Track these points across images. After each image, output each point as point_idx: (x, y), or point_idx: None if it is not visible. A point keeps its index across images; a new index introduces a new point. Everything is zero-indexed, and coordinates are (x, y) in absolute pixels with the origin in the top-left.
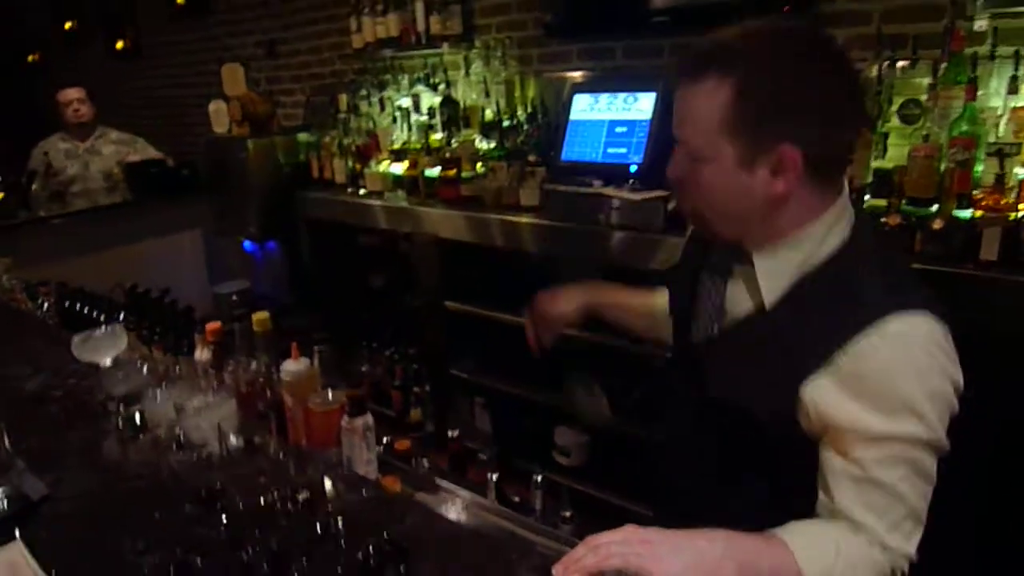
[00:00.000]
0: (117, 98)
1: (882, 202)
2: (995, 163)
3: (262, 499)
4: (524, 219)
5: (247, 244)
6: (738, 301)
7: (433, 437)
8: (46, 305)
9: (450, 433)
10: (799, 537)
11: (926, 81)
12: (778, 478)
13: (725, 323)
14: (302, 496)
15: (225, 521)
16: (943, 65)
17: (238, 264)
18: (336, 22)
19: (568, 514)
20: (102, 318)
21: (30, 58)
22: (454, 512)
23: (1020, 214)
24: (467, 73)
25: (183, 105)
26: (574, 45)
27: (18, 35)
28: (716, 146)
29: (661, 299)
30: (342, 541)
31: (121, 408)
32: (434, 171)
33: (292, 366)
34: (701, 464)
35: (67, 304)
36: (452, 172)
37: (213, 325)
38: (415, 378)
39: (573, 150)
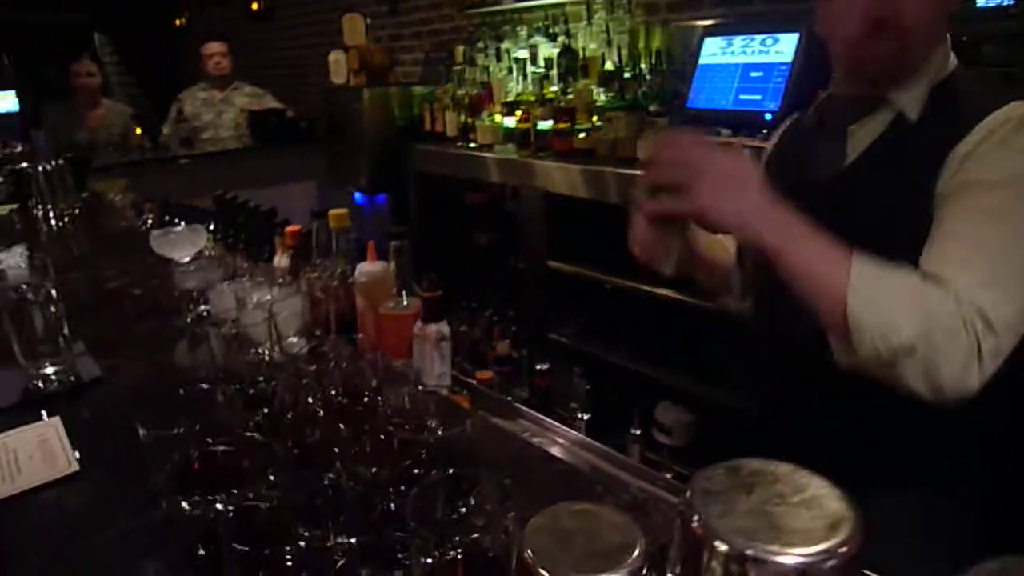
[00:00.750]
0: (251, 56)
1: None
2: None
3: (309, 398)
4: (639, 172)
5: (357, 196)
6: (862, 141)
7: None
8: (149, 220)
9: (538, 366)
10: (870, 262)
11: None
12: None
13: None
14: (345, 399)
15: (260, 418)
16: None
17: (327, 242)
18: None
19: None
20: (197, 224)
21: (177, 21)
22: (530, 435)
23: None
24: (589, 22)
25: (309, 63)
26: None
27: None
28: None
29: None
30: (391, 443)
31: (190, 303)
32: (547, 123)
33: (367, 267)
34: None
35: (167, 217)
36: (566, 124)
37: (292, 228)
38: (513, 342)
39: (700, 97)
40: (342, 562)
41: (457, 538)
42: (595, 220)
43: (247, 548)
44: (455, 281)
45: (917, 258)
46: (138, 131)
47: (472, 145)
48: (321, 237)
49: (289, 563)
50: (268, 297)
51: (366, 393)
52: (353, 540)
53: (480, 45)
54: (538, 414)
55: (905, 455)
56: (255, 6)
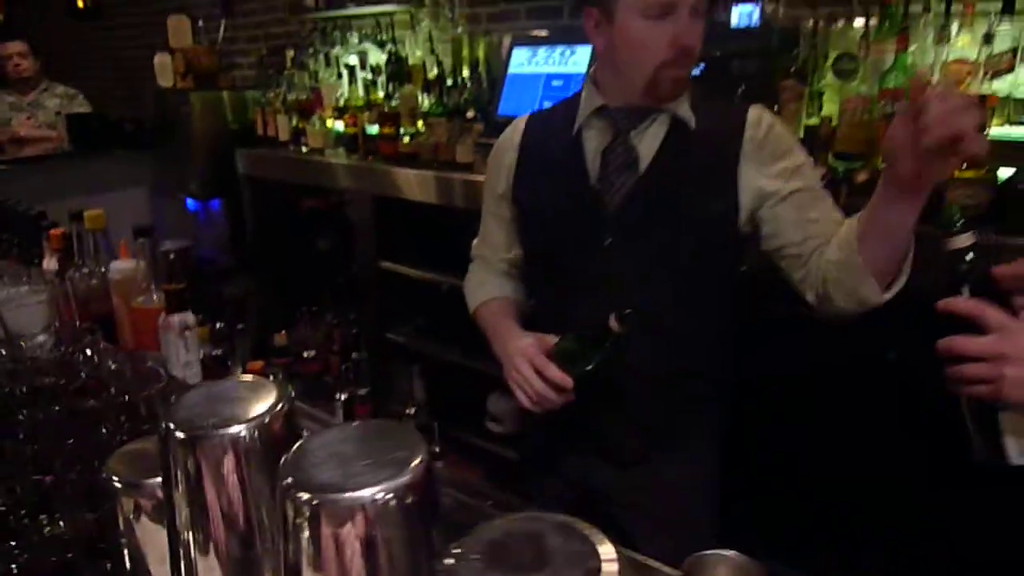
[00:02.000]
0: (77, 56)
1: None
2: None
3: (34, 386)
4: (457, 175)
5: (191, 203)
6: (647, 150)
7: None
8: None
9: (305, 354)
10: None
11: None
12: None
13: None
14: (72, 385)
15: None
16: (875, 18)
17: (181, 223)
18: None
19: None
20: None
21: None
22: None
23: None
24: (414, 30)
25: (140, 64)
26: (522, 4)
27: None
28: None
29: None
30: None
31: None
32: (374, 128)
33: (119, 265)
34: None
35: None
36: (391, 128)
37: (56, 231)
38: (354, 344)
39: (510, 104)
40: None
41: None
42: (423, 222)
43: None
44: (295, 286)
45: (725, 229)
46: None
47: (304, 149)
48: (81, 238)
49: None
50: (18, 294)
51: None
52: None
53: (311, 50)
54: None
55: (669, 429)
56: (80, 3)
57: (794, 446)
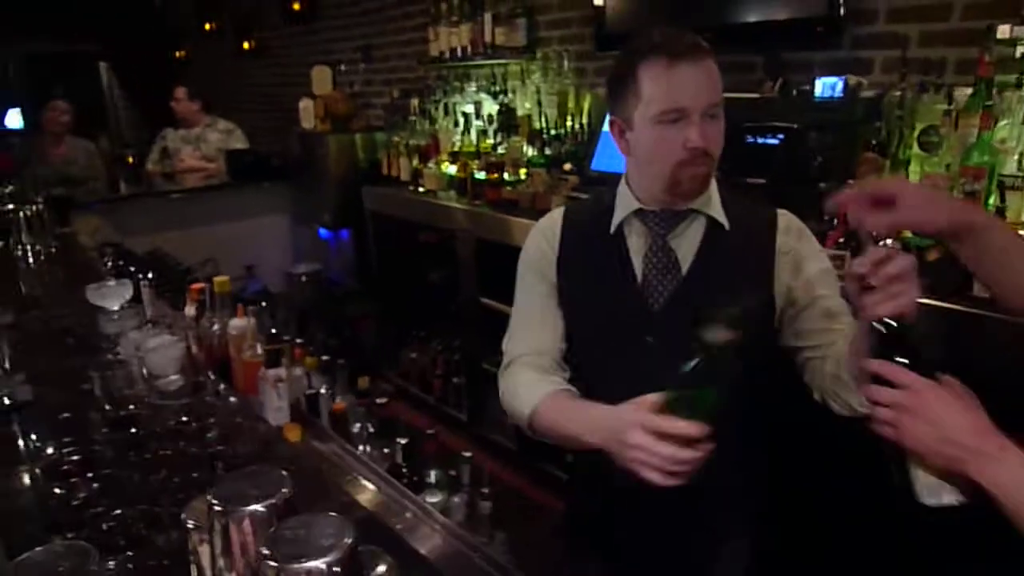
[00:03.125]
0: (244, 90)
1: None
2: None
3: (169, 422)
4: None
5: (323, 231)
6: (686, 252)
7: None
8: (109, 263)
9: (378, 400)
10: None
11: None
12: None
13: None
14: (195, 424)
15: (126, 436)
16: (963, 91)
17: (315, 249)
18: (420, 31)
19: (486, 491)
20: (139, 276)
21: (178, 54)
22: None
23: None
24: (523, 83)
25: (289, 101)
26: None
27: (169, 33)
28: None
29: None
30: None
31: (106, 345)
32: (482, 174)
33: (236, 322)
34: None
35: (120, 262)
36: (495, 176)
37: (196, 285)
38: (455, 370)
39: (603, 160)
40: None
41: None
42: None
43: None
44: (409, 312)
45: (763, 328)
46: (130, 159)
47: (421, 189)
48: (212, 296)
49: None
50: (152, 345)
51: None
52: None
53: (435, 97)
54: (344, 443)
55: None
56: (246, 45)
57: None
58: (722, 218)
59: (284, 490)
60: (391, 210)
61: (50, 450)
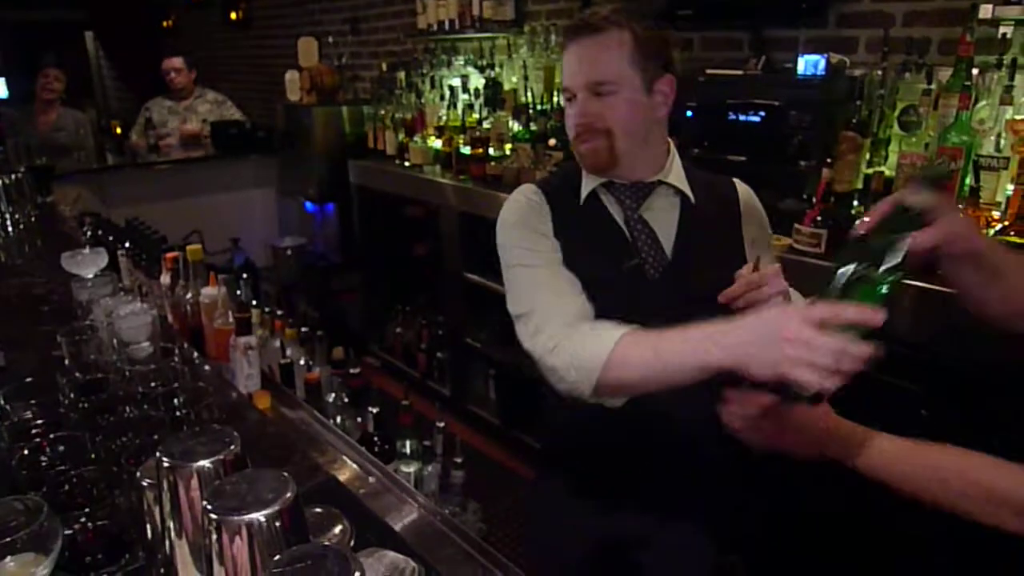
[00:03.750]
0: (230, 61)
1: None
2: (984, 177)
3: (136, 388)
4: None
5: (308, 205)
6: (665, 227)
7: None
8: (88, 232)
9: (352, 370)
10: None
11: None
12: None
13: (670, 246)
14: (162, 389)
15: (93, 400)
16: (945, 72)
17: (300, 222)
18: (408, 3)
19: (459, 460)
20: (118, 245)
21: (165, 23)
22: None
23: (993, 231)
24: (510, 57)
25: (277, 73)
26: None
27: (156, 2)
28: (626, 78)
29: None
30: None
31: (78, 311)
32: (467, 149)
33: (208, 291)
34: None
35: (99, 232)
36: (480, 150)
37: (170, 254)
38: (439, 344)
39: None
40: None
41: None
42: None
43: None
44: (394, 286)
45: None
46: (117, 130)
47: (407, 164)
48: (186, 265)
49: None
50: (123, 313)
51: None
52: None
53: (421, 71)
54: (314, 411)
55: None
56: (233, 15)
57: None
58: (686, 189)
59: (232, 447)
60: (376, 184)
61: (19, 414)
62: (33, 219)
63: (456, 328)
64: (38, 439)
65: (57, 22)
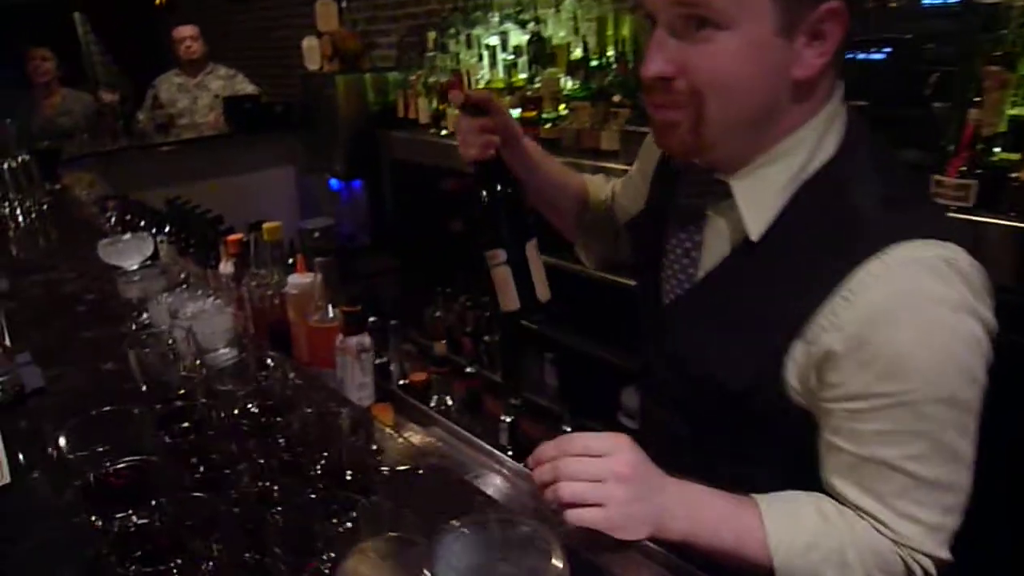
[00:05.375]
0: (232, 39)
1: (1015, 155)
2: None
3: (222, 413)
4: (601, 164)
5: (333, 182)
6: (716, 248)
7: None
8: (113, 218)
9: (468, 369)
10: (778, 506)
11: None
12: (757, 466)
13: (700, 276)
14: (260, 411)
15: (178, 433)
16: None
17: (325, 202)
18: None
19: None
20: (154, 229)
21: (157, 1)
22: (420, 439)
23: None
24: (557, 9)
25: (288, 47)
26: None
27: None
28: (751, 4)
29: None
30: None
31: (132, 312)
32: (515, 112)
33: (296, 279)
34: (676, 451)
35: (128, 217)
36: (533, 112)
37: (233, 237)
38: (487, 327)
39: None
40: None
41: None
42: None
43: (134, 564)
44: (431, 267)
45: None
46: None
47: (443, 132)
48: (258, 247)
49: None
50: (192, 310)
51: (271, 411)
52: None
53: (452, 31)
54: (454, 426)
55: None
56: None
57: None
58: (755, 219)
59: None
60: (410, 156)
61: (92, 466)
62: (45, 207)
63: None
64: (124, 505)
65: (42, 4)
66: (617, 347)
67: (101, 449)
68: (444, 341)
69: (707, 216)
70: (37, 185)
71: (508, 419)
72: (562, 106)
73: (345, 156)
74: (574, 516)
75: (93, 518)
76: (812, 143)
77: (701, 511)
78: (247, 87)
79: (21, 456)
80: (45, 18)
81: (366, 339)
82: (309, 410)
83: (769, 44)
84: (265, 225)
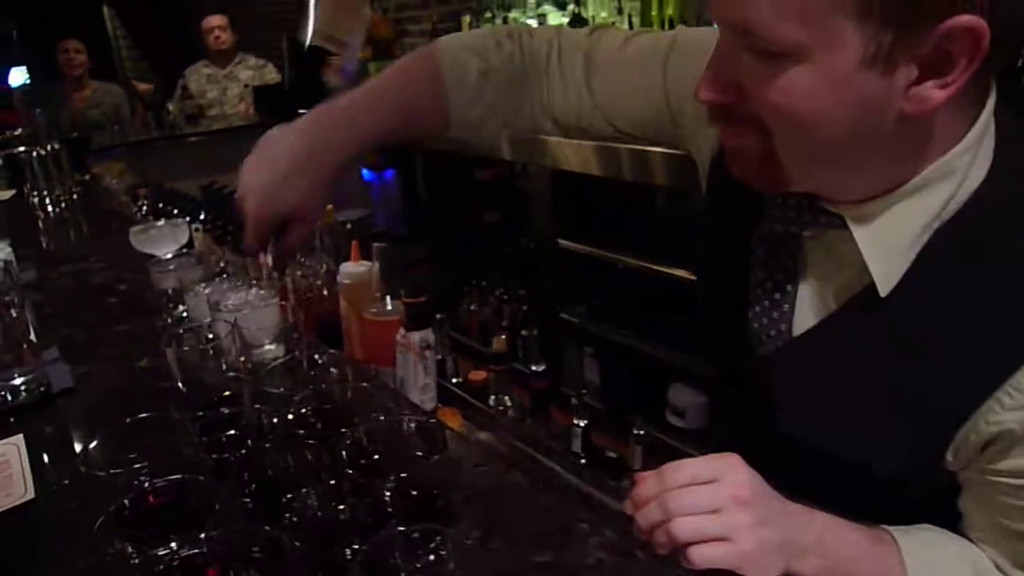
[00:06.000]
0: (262, 28)
1: None
2: None
3: (274, 419)
4: (648, 148)
5: (365, 172)
6: (822, 292)
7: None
8: (144, 207)
9: (533, 367)
10: (919, 545)
11: None
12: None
13: (799, 325)
14: (319, 418)
15: (225, 444)
16: None
17: (358, 193)
18: None
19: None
20: (187, 218)
21: None
22: (506, 455)
23: None
24: None
25: None
26: None
27: None
28: (826, 32)
29: None
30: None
31: (168, 304)
32: None
33: (350, 268)
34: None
35: (160, 205)
36: None
37: None
38: (523, 321)
39: None
40: None
41: None
42: (605, 197)
43: None
44: (465, 259)
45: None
46: (142, 110)
47: None
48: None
49: None
50: (234, 302)
51: (332, 419)
52: None
53: (487, 15)
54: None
55: None
56: None
57: None
58: (877, 272)
59: None
60: (445, 144)
61: (132, 482)
62: (75, 196)
63: (548, 302)
64: (166, 532)
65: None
66: (663, 342)
67: (137, 466)
68: (504, 336)
69: (805, 246)
70: (67, 175)
71: (581, 424)
72: None
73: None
74: (699, 556)
75: (129, 548)
76: (962, 171)
77: (835, 545)
78: (277, 77)
79: (47, 463)
80: (75, 10)
81: (430, 335)
82: (380, 418)
83: (853, 79)
84: None
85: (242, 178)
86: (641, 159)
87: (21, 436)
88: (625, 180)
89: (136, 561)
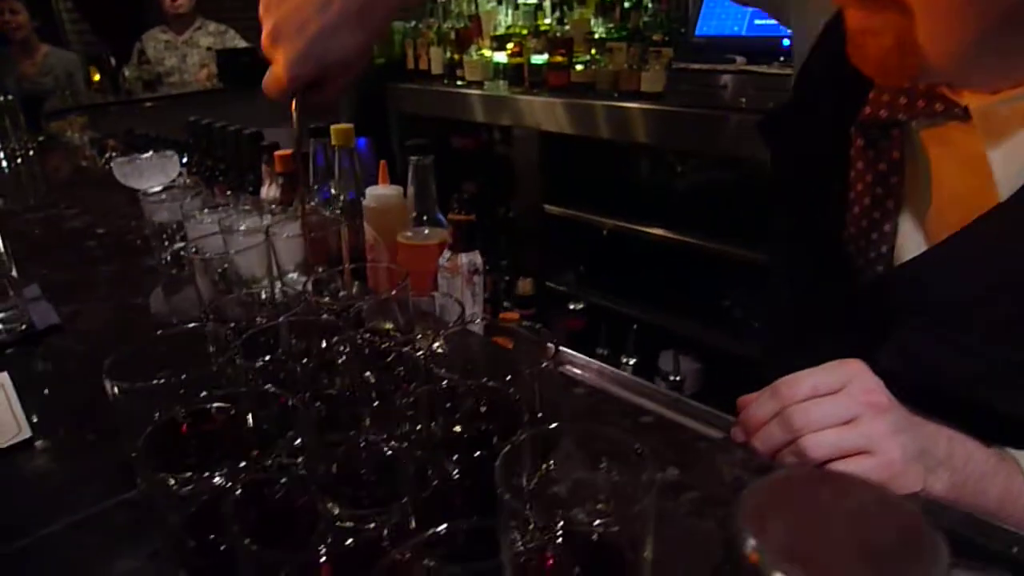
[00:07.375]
0: None
1: None
2: None
3: (325, 342)
4: (644, 106)
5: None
6: (936, 199)
7: None
8: (113, 155)
9: (572, 306)
10: None
11: None
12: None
13: (903, 244)
14: (370, 345)
15: (264, 365)
16: None
17: (327, 163)
18: None
19: None
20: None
21: None
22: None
23: None
24: None
25: None
26: None
27: None
28: None
29: None
30: (436, 394)
31: (164, 239)
32: (541, 57)
33: (379, 191)
34: None
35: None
36: (562, 57)
37: (283, 152)
38: (506, 293)
39: (710, 23)
40: (398, 555)
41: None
42: (593, 160)
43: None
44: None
45: None
46: (96, 77)
47: (459, 83)
48: (327, 158)
49: (324, 556)
50: (263, 222)
51: (394, 335)
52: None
53: None
54: (587, 358)
55: None
56: None
57: None
58: (1003, 174)
59: None
60: (423, 109)
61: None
62: (32, 152)
63: (533, 270)
64: (195, 464)
65: None
66: (652, 306)
67: (164, 380)
68: (530, 280)
69: (916, 140)
70: (22, 129)
71: (631, 361)
72: (593, 49)
73: (349, 112)
74: None
75: (171, 482)
76: None
77: (964, 460)
78: (240, 43)
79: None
80: None
81: (478, 258)
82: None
83: None
84: (334, 128)
85: (275, 22)
86: (628, 117)
87: (6, 374)
88: (612, 140)
89: (182, 493)
